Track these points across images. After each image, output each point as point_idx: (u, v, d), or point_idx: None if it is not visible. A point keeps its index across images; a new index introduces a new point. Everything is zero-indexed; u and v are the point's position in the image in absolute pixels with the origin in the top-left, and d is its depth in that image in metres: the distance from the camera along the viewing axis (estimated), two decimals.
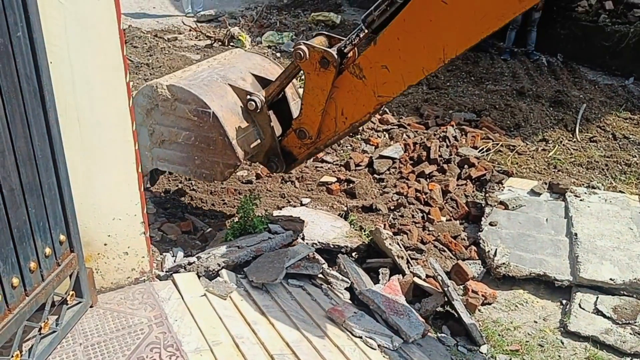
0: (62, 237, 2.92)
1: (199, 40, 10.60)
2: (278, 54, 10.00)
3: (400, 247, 4.45)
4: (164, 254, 4.22)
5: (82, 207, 3.08)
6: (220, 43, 10.13)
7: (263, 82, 4.44)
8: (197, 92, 4.01)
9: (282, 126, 4.46)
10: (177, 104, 4.06)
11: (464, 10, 3.23)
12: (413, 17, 3.41)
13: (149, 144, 4.29)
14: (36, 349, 2.81)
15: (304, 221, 4.52)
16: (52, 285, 2.85)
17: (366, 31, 3.73)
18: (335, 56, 3.76)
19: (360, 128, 6.89)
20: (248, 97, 4.17)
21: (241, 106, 4.20)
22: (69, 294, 3.05)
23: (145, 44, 9.57)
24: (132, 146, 3.16)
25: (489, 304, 4.29)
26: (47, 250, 2.79)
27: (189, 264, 3.85)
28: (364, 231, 4.84)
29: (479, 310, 4.21)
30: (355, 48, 3.86)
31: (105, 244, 3.31)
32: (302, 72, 3.99)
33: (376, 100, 3.77)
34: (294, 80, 4.43)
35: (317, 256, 4.18)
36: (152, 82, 4.17)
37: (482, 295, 4.25)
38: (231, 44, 10.10)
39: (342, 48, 3.83)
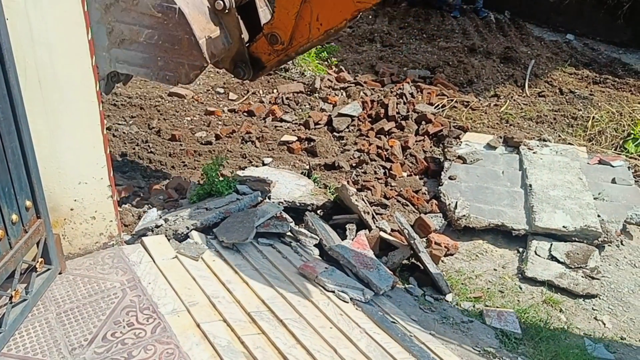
0: (28, 203, 2.81)
1: None
2: None
3: (366, 203, 4.52)
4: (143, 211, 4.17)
5: (46, 172, 2.97)
6: None
7: None
8: None
9: (249, 33, 4.28)
10: None
11: None
12: None
13: (107, 43, 3.96)
14: (8, 317, 2.73)
15: (271, 181, 4.50)
16: (21, 252, 2.75)
17: None
18: None
19: (318, 85, 6.87)
20: None
21: (208, 6, 3.98)
22: (37, 261, 2.96)
23: None
24: (97, 107, 3.04)
25: (452, 254, 4.46)
26: (14, 217, 2.69)
27: (157, 226, 3.79)
28: (329, 189, 4.88)
29: (442, 261, 4.37)
30: None
31: (71, 209, 3.21)
32: None
33: (354, 6, 3.67)
34: None
35: (285, 215, 4.20)
36: None
37: (445, 247, 4.41)
38: None
39: None
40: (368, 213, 4.41)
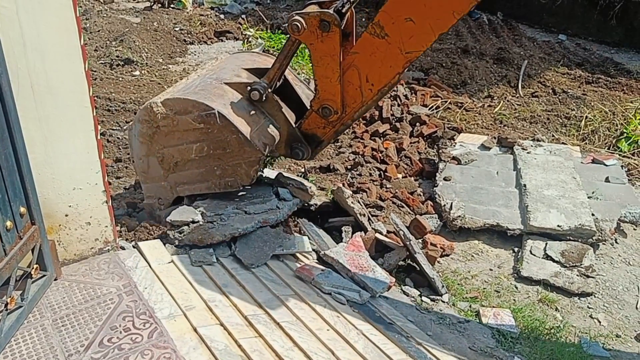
0: (23, 210, 2.80)
1: (137, 2, 10.16)
2: (222, 16, 9.73)
3: (361, 205, 4.52)
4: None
5: (40, 178, 2.96)
6: (160, 5, 9.75)
7: (258, 72, 4.12)
8: (195, 97, 3.72)
9: (293, 112, 4.15)
10: (179, 118, 3.74)
11: None
12: None
13: (162, 172, 3.96)
14: (3, 325, 2.71)
15: (313, 192, 4.30)
16: (16, 259, 2.74)
17: None
18: (335, 15, 3.47)
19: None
20: (249, 88, 3.85)
21: (245, 100, 3.90)
22: (32, 268, 2.95)
23: (80, 7, 9.09)
24: (90, 112, 3.03)
25: (447, 255, 4.47)
26: (8, 224, 2.68)
27: (193, 222, 3.70)
28: (325, 191, 4.88)
29: (438, 261, 4.38)
30: (352, 7, 3.60)
31: (66, 215, 3.20)
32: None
33: (404, 57, 3.47)
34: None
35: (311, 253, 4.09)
36: (144, 105, 3.86)
37: (441, 247, 4.42)
38: (172, 5, 9.75)
39: (339, 8, 3.54)
40: (364, 215, 4.41)
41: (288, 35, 3.73)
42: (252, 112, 3.90)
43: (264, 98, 3.86)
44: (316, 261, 3.97)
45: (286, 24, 3.65)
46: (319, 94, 3.81)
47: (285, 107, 4.05)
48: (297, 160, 4.38)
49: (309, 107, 3.97)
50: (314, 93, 3.90)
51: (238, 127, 3.72)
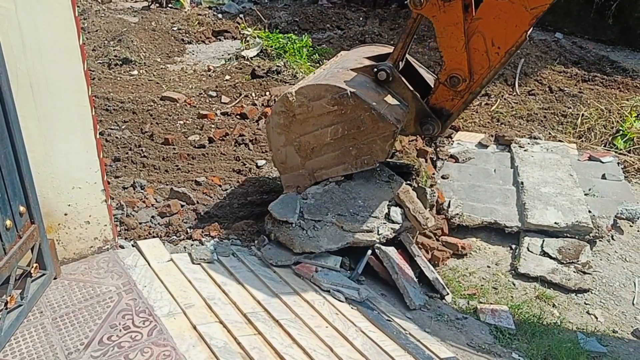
0: (22, 209, 2.81)
1: (135, 2, 10.17)
2: (220, 15, 9.74)
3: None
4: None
5: (39, 177, 2.97)
6: (158, 4, 9.76)
7: (379, 59, 4.25)
8: (326, 82, 3.91)
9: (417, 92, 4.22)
10: (313, 104, 3.92)
11: None
12: None
13: (299, 160, 4.12)
14: (3, 323, 2.73)
15: (427, 227, 4.14)
16: (15, 258, 2.76)
17: None
18: None
19: None
20: (375, 70, 3.99)
21: (372, 81, 4.04)
22: (32, 267, 2.96)
23: (78, 6, 9.09)
24: (89, 111, 3.05)
25: (464, 255, 4.48)
26: (8, 223, 2.69)
27: (287, 222, 3.82)
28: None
29: (444, 263, 4.39)
30: None
31: (65, 214, 3.22)
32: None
33: (530, 14, 3.49)
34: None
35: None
36: (280, 97, 4.03)
37: (462, 247, 4.43)
38: (169, 5, 9.76)
39: None
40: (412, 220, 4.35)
41: (408, 11, 3.74)
42: (381, 91, 4.03)
43: (390, 78, 3.99)
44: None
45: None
46: (446, 65, 3.88)
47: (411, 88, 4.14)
48: (429, 135, 4.45)
49: (432, 87, 4.07)
50: (435, 76, 4.01)
51: (371, 104, 3.85)
